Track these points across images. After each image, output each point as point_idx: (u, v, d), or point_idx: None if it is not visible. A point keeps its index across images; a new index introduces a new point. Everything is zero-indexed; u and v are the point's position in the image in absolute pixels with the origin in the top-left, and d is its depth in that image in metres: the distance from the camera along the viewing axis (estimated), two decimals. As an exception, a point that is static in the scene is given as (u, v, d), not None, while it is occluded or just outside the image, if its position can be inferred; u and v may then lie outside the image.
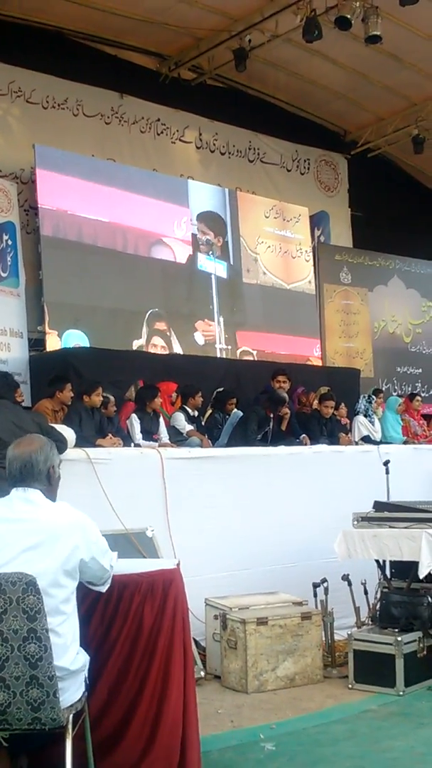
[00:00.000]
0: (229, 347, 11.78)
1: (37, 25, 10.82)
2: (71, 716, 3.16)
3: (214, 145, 12.90)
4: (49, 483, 3.34)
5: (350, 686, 5.50)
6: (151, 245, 11.30)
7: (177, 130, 12.43)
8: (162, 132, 12.26)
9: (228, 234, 12.23)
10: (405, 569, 5.86)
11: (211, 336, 11.64)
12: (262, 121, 13.35)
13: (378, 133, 14.24)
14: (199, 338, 11.51)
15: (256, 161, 13.42)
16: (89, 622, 3.49)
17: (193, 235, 11.73)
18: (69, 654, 3.16)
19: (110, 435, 7.22)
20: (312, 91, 13.22)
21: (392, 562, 6.03)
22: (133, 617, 3.52)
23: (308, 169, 14.16)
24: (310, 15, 10.41)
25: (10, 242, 9.64)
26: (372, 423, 9.81)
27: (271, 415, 8.47)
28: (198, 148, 12.73)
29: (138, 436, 7.67)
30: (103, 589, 3.42)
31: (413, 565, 5.62)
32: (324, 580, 6.05)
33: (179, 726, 3.48)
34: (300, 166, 14.05)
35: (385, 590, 5.94)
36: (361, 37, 10.69)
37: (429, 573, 5.55)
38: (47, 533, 3.16)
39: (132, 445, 7.42)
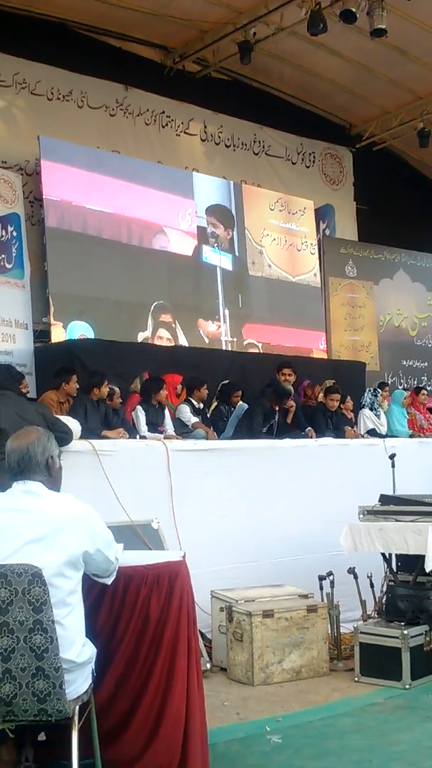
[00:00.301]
0: (235, 340, 11.75)
1: (41, 16, 10.79)
2: (77, 708, 3.16)
3: (219, 137, 12.87)
4: (49, 474, 3.31)
5: (356, 679, 5.48)
6: (156, 237, 11.27)
7: (182, 123, 12.40)
8: (167, 124, 12.23)
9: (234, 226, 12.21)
10: (411, 563, 5.84)
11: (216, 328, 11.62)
12: (266, 114, 13.33)
13: (383, 127, 14.19)
14: (204, 331, 11.49)
15: (261, 154, 13.40)
16: (97, 614, 3.48)
17: (198, 227, 11.70)
18: (75, 646, 3.15)
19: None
20: (317, 84, 13.17)
21: (398, 556, 6.01)
22: (139, 609, 3.52)
23: (313, 162, 14.13)
24: (315, 8, 10.36)
25: (15, 233, 9.61)
26: (378, 416, 9.79)
27: (277, 408, 8.44)
28: (203, 140, 12.70)
29: (143, 427, 7.65)
30: (109, 581, 3.41)
31: (419, 559, 5.61)
32: (330, 573, 6.02)
33: (182, 718, 3.47)
34: (305, 159, 14.01)
35: (391, 583, 5.92)
36: (367, 31, 10.62)
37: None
38: (51, 525, 3.14)
39: (137, 436, 7.41)
